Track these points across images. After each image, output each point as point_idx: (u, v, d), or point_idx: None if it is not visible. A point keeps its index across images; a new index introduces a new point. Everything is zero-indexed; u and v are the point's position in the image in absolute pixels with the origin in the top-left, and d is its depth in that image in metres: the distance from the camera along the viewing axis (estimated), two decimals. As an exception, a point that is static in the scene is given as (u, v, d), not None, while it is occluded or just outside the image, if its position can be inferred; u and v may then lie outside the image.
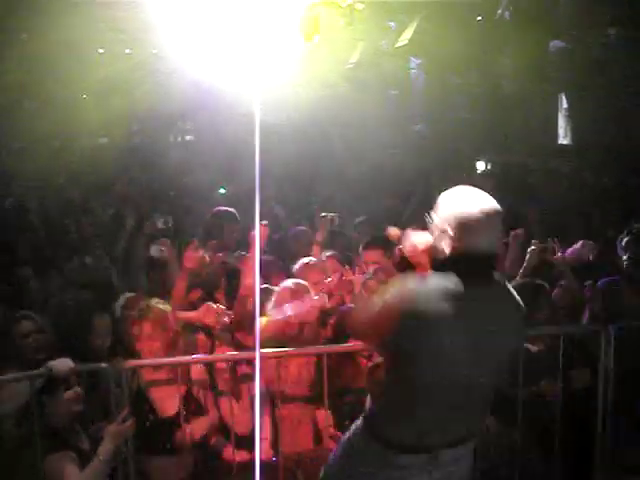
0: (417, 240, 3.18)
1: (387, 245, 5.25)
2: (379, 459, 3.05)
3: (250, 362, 4.41)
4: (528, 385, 4.29)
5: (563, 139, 11.20)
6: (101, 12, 8.42)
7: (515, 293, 3.08)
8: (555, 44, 9.35)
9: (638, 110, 9.14)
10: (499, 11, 6.29)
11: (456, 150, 10.95)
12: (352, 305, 3.20)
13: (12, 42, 9.77)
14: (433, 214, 2.99)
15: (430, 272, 2.99)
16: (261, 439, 4.40)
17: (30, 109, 11.98)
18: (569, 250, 5.57)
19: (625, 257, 5.27)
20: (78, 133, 11.97)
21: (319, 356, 4.37)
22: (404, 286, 2.90)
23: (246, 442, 4.34)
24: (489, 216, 2.86)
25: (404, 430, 3.01)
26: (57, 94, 10.52)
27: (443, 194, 2.99)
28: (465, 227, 2.85)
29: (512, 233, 5.58)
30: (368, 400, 3.35)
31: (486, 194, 2.94)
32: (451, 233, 2.87)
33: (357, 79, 9.08)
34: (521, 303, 3.06)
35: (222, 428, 4.37)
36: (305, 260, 5.44)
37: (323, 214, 6.20)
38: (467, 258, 2.87)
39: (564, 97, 11.04)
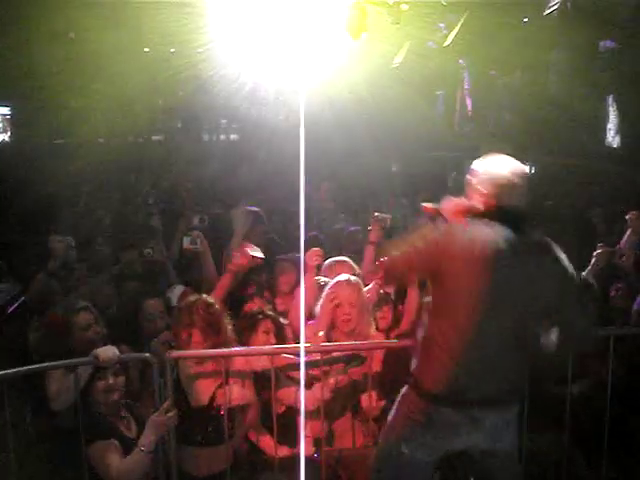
0: (454, 203, 3.45)
1: None
2: (426, 418, 3.27)
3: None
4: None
5: (611, 141, 11.01)
6: (147, 12, 8.49)
7: (557, 249, 3.31)
8: (605, 44, 9.19)
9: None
10: (554, 8, 6.16)
11: (501, 150, 10.80)
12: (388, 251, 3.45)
13: (60, 42, 9.90)
14: (469, 179, 3.39)
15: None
16: (304, 435, 4.40)
17: (77, 108, 12.12)
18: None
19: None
20: (124, 132, 12.11)
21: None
22: (457, 228, 3.26)
23: (288, 437, 4.35)
24: (515, 176, 3.28)
25: (444, 379, 3.22)
26: (104, 94, 10.65)
27: (476, 162, 3.40)
28: (496, 186, 3.26)
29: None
30: (413, 363, 3.43)
31: (513, 159, 3.36)
32: (484, 191, 3.28)
33: (403, 79, 9.02)
34: (561, 258, 3.28)
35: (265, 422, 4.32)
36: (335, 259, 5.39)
37: (377, 214, 5.81)
38: (498, 211, 3.23)
39: (612, 99, 10.84)
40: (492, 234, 3.16)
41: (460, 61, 10.74)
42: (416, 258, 3.32)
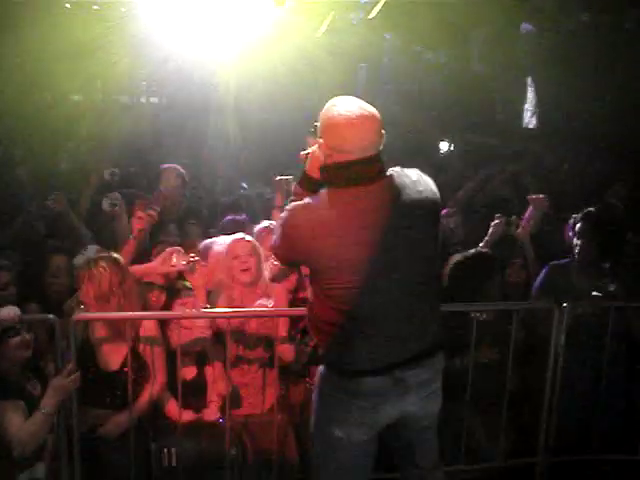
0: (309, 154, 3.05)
1: None
2: (346, 393, 3.04)
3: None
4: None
5: (528, 122, 11.25)
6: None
7: (429, 181, 3.02)
8: (525, 27, 9.35)
9: (604, 97, 9.20)
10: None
11: (420, 128, 10.92)
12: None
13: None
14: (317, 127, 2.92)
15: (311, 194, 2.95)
16: (210, 400, 4.42)
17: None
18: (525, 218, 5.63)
19: (576, 241, 5.24)
20: (43, 90, 11.75)
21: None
22: (296, 211, 2.89)
23: (193, 402, 4.36)
24: (355, 117, 2.78)
25: (355, 352, 2.99)
26: (27, 55, 10.30)
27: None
28: (332, 132, 2.79)
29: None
30: (320, 343, 3.32)
31: (358, 100, 2.85)
32: (323, 141, 2.83)
33: (328, 48, 9.00)
34: (434, 189, 3.00)
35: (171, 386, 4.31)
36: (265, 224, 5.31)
37: (279, 177, 5.48)
38: (343, 165, 2.79)
39: (531, 80, 11.06)
40: (344, 201, 2.81)
41: (386, 35, 10.77)
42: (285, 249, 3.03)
